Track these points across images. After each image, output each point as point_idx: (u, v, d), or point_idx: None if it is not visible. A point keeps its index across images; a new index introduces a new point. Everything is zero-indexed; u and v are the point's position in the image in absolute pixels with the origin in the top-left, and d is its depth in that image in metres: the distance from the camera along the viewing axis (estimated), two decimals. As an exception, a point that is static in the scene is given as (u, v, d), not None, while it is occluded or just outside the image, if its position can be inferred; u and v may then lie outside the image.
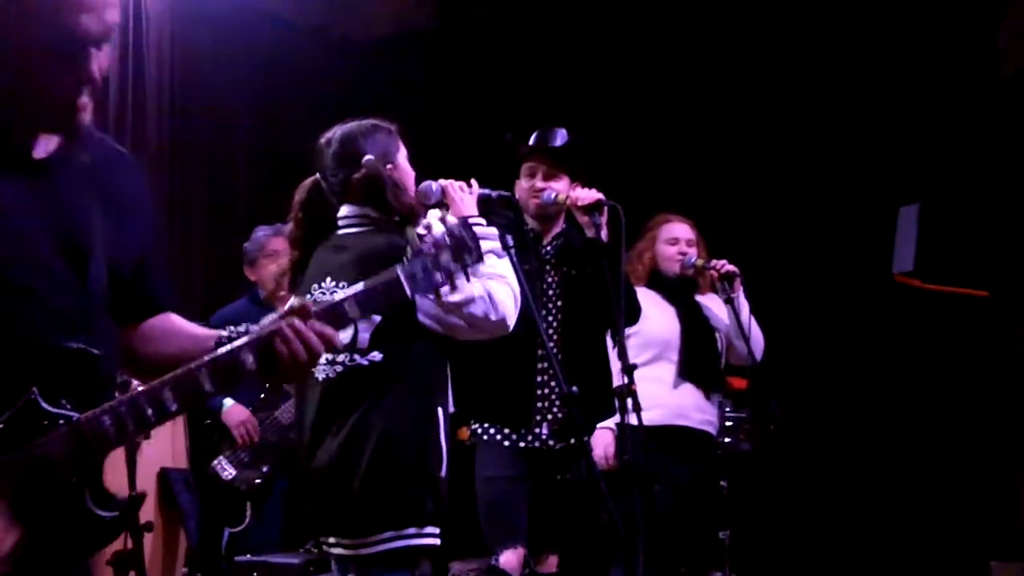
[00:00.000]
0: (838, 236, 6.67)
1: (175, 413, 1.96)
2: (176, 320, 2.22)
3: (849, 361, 6.62)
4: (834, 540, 6.48)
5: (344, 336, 3.13)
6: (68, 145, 2.00)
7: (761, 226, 6.75)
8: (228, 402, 5.22)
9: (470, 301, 3.22)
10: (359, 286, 2.16)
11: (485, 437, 4.26)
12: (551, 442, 4.22)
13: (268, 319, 2.06)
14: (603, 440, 4.64)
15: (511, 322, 3.32)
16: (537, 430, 4.22)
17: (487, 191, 3.71)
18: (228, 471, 5.19)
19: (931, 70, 6.52)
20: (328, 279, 3.31)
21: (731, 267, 4.89)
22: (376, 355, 3.22)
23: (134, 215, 2.12)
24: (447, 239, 2.24)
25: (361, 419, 3.23)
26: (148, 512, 4.80)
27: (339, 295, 2.15)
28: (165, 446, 5.19)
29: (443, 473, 3.28)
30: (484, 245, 3.36)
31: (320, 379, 3.31)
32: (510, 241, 3.79)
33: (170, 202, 6.36)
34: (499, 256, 3.43)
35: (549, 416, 4.23)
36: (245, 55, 6.90)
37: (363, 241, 3.31)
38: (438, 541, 3.27)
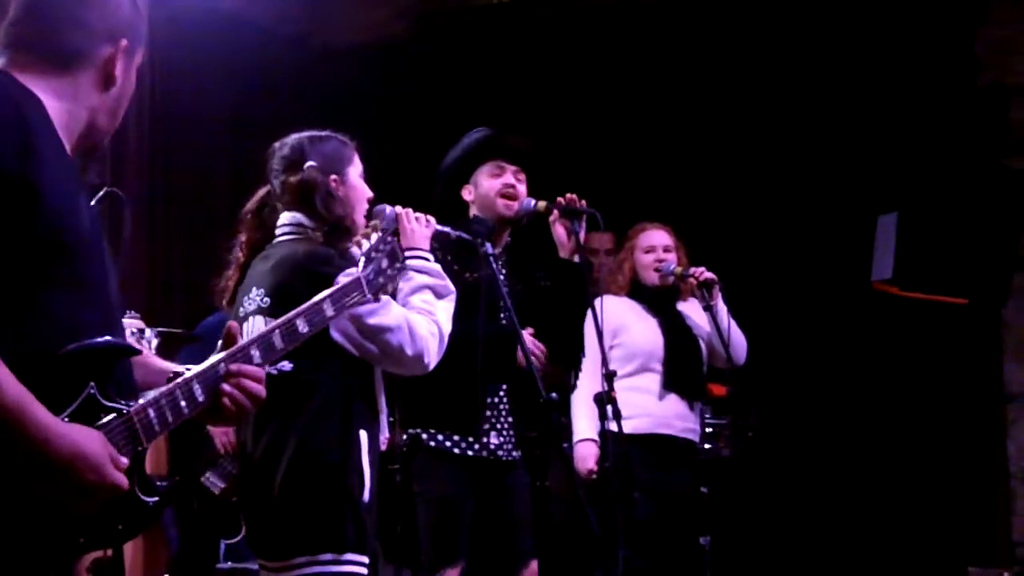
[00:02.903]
0: (817, 244, 6.69)
1: (202, 404, 2.11)
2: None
3: (828, 368, 6.64)
4: (814, 546, 6.50)
5: None
6: (87, 168, 2.18)
7: (741, 234, 6.77)
8: None
9: (387, 329, 3.12)
10: (331, 289, 2.44)
11: (432, 443, 4.05)
12: (500, 452, 4.10)
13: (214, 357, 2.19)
14: (586, 452, 4.66)
15: (429, 360, 3.21)
16: (485, 439, 4.08)
17: (446, 229, 3.66)
18: (217, 484, 5.18)
19: (910, 80, 6.55)
20: (254, 289, 3.22)
21: (710, 275, 4.92)
22: (286, 364, 3.05)
23: None
24: (384, 246, 2.67)
25: (276, 435, 3.12)
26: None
27: (319, 295, 2.41)
28: (146, 454, 5.17)
29: (366, 498, 3.13)
30: (424, 280, 3.36)
31: None
32: (489, 249, 3.79)
33: (150, 211, 6.34)
34: (440, 295, 3.37)
35: (498, 425, 4.15)
36: (225, 63, 6.89)
37: (286, 248, 3.24)
38: (363, 571, 3.11)
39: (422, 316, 3.23)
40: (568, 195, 4.16)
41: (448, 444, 4.05)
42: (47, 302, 1.93)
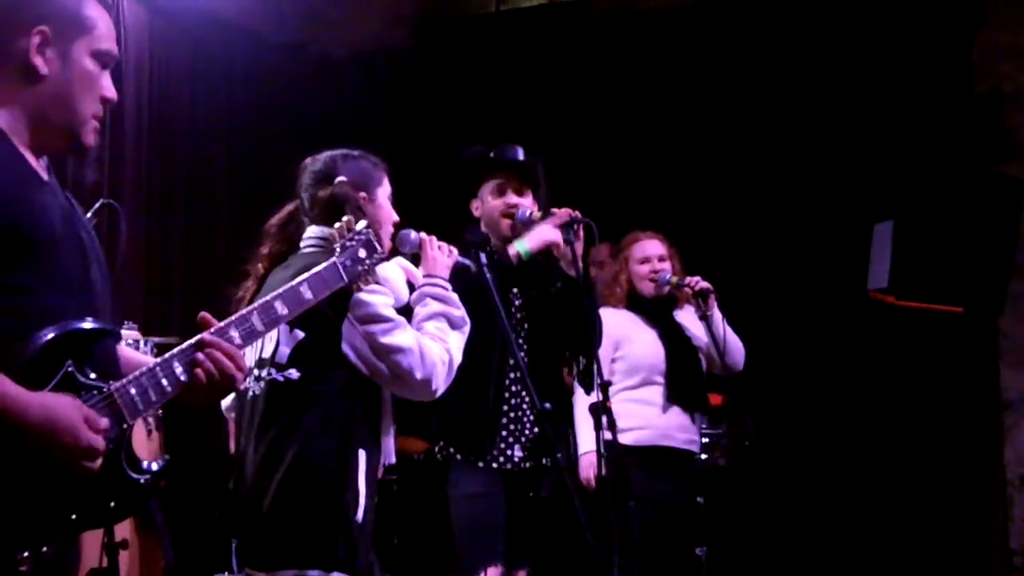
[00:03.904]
0: (813, 252, 6.68)
1: (183, 384, 2.14)
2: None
3: (824, 377, 6.62)
4: (810, 556, 6.49)
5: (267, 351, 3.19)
6: (51, 167, 2.18)
7: (737, 243, 6.77)
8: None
9: (399, 350, 3.11)
10: (308, 272, 2.49)
11: (459, 456, 4.14)
12: (525, 463, 4.16)
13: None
14: (591, 464, 4.66)
15: (437, 387, 3.20)
16: (510, 452, 4.15)
17: (466, 261, 3.68)
18: None
19: (906, 86, 6.55)
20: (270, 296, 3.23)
21: (705, 284, 4.92)
22: (293, 372, 3.10)
23: None
24: (360, 236, 2.71)
25: (275, 441, 3.11)
26: (124, 530, 4.77)
27: (298, 278, 2.47)
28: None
29: (360, 517, 3.10)
30: (439, 308, 3.36)
31: (248, 396, 3.21)
32: (483, 259, 3.80)
33: (148, 218, 6.35)
34: (454, 325, 3.36)
35: (523, 438, 4.19)
36: (223, 71, 6.90)
37: (309, 259, 3.18)
38: None
39: (435, 342, 3.23)
40: (562, 208, 4.18)
41: (473, 457, 4.13)
42: (16, 292, 1.97)
